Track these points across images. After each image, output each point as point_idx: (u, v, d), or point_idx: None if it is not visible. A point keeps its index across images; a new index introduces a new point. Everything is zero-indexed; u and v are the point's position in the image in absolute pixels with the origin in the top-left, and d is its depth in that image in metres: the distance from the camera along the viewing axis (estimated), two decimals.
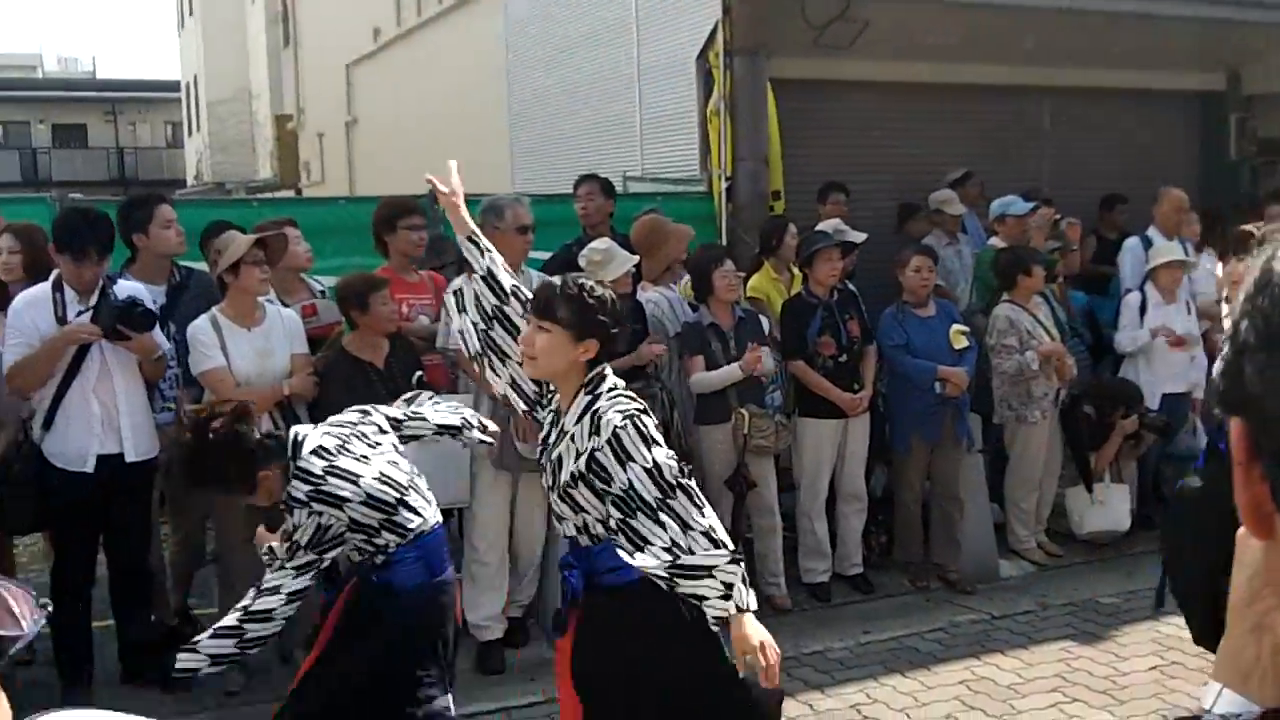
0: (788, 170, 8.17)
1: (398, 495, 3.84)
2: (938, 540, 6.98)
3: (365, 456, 3.85)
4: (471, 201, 6.33)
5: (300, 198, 18.18)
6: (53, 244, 5.24)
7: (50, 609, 1.75)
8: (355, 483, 3.75)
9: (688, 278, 6.62)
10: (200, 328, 5.29)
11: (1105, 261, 8.70)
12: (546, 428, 3.47)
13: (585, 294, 3.31)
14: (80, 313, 5.10)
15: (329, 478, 3.73)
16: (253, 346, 5.35)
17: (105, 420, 5.16)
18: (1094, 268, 8.72)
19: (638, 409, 3.25)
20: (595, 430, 3.21)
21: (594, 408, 3.26)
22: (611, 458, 3.16)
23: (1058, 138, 10.09)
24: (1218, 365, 1.01)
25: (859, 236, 7.06)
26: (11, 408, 5.28)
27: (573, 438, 3.28)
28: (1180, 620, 5.09)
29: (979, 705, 5.33)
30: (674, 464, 3.17)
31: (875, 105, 9.20)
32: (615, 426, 3.16)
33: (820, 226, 6.97)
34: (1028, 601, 6.67)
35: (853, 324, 6.66)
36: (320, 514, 3.75)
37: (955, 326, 6.78)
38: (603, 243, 6.31)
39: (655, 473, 3.12)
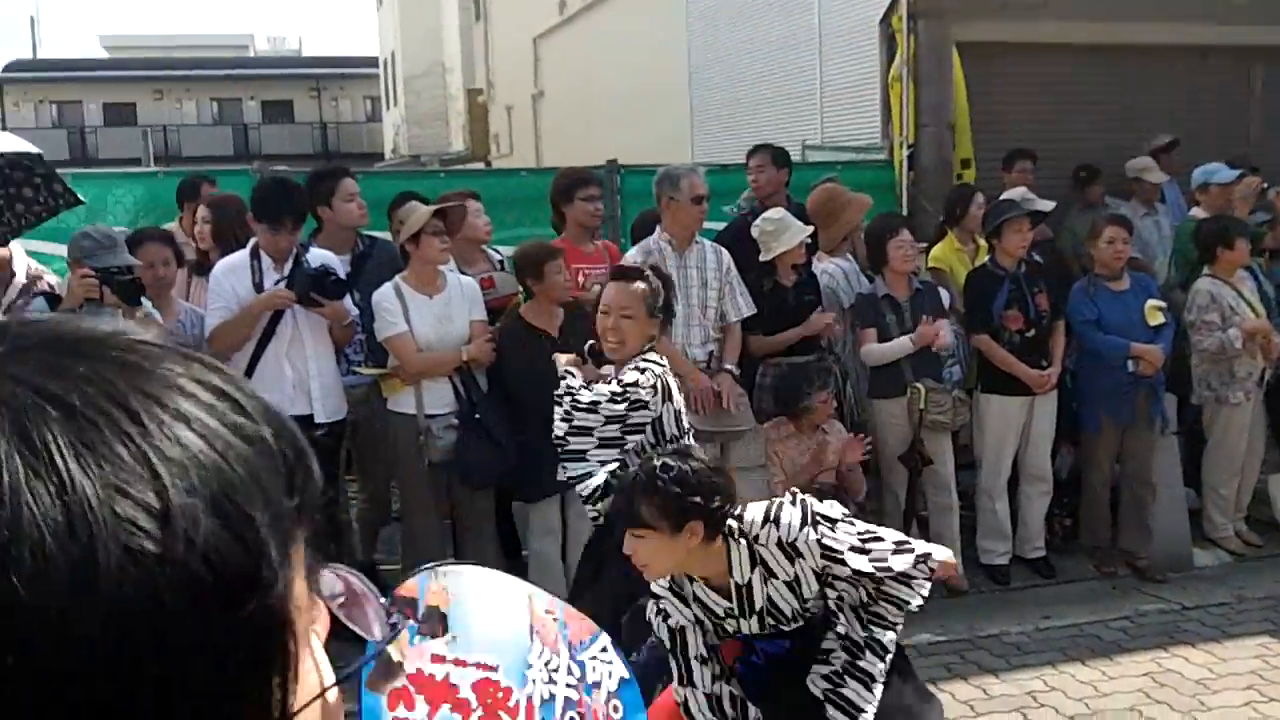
0: (975, 136, 7.87)
1: None
2: (1127, 525, 6.65)
3: None
4: (649, 171, 6.38)
5: (484, 170, 18.51)
6: (250, 214, 5.42)
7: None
8: None
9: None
10: (384, 295, 5.42)
11: None
12: (701, 609, 3.22)
13: (666, 482, 2.99)
14: (277, 281, 5.28)
15: None
16: (434, 313, 5.45)
17: (296, 383, 5.34)
18: None
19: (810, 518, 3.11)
20: (795, 554, 3.09)
21: (770, 542, 3.08)
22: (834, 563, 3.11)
23: (1269, 103, 9.44)
24: None
25: (1047, 205, 6.75)
26: None
27: (771, 575, 3.13)
28: None
29: (1164, 699, 5.05)
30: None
31: (1067, 69, 8.76)
32: (813, 541, 3.08)
33: (1006, 194, 6.68)
34: (1223, 593, 6.30)
35: (1041, 297, 6.36)
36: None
37: (1151, 301, 6.41)
38: (776, 213, 6.20)
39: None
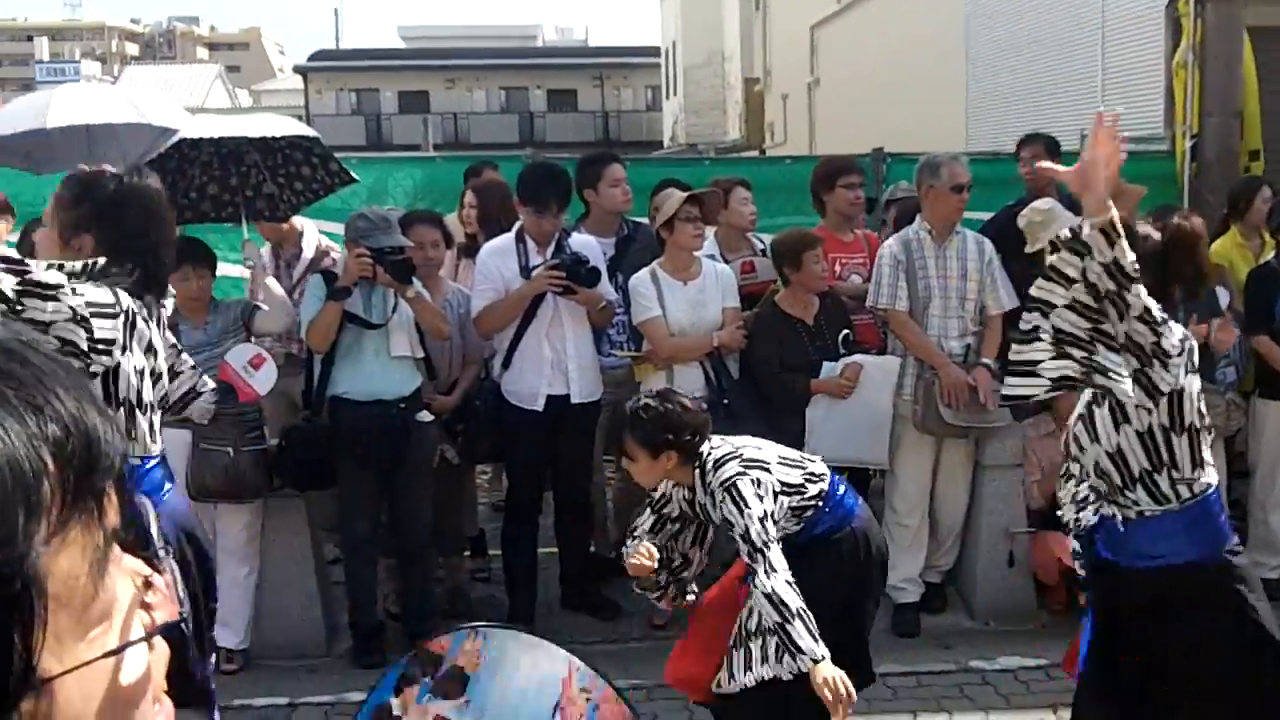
0: (1266, 126, 7.46)
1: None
2: None
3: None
4: (915, 159, 6.37)
5: (749, 157, 18.68)
6: (517, 198, 5.62)
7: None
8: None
9: None
10: (641, 280, 5.60)
11: None
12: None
13: (641, 417, 3.80)
14: (539, 265, 5.48)
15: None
16: (687, 299, 5.58)
17: (555, 363, 5.53)
18: None
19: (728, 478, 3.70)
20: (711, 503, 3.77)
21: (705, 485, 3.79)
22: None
23: None
24: None
25: None
26: (478, 347, 5.87)
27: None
28: None
29: None
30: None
31: None
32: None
33: None
34: None
35: None
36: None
37: None
38: (1045, 202, 6.06)
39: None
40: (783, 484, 3.77)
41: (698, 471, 3.79)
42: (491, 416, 5.68)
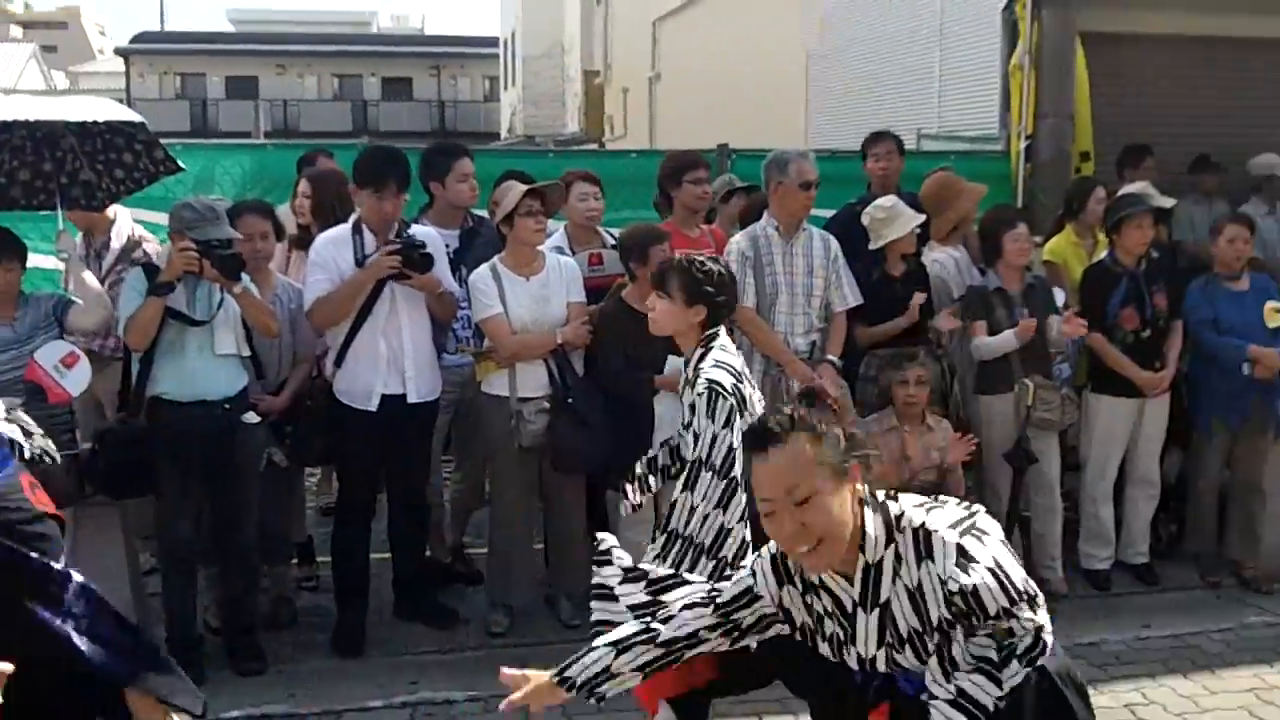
0: (1095, 129, 7.69)
1: None
2: (1234, 533, 6.44)
3: None
4: (760, 155, 6.34)
5: (594, 150, 18.57)
6: (353, 184, 5.39)
7: None
8: None
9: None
10: (480, 276, 5.41)
11: None
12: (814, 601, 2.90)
13: (694, 268, 4.13)
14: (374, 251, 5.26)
15: None
16: (530, 295, 5.42)
17: (391, 361, 5.31)
18: None
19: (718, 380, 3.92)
20: (690, 384, 4.01)
21: (698, 365, 4.03)
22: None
23: None
24: None
25: (1168, 202, 6.55)
26: (309, 344, 5.60)
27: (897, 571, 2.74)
28: None
29: (1267, 716, 4.89)
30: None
31: (1194, 61, 8.48)
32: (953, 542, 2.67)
33: (1126, 189, 6.49)
34: None
35: (1159, 297, 6.18)
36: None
37: (1270, 303, 6.18)
38: (888, 200, 6.12)
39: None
40: None
41: (701, 345, 4.16)
42: (323, 416, 5.45)
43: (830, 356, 5.81)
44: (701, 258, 4.23)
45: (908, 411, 5.74)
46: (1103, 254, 6.39)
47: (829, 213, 6.59)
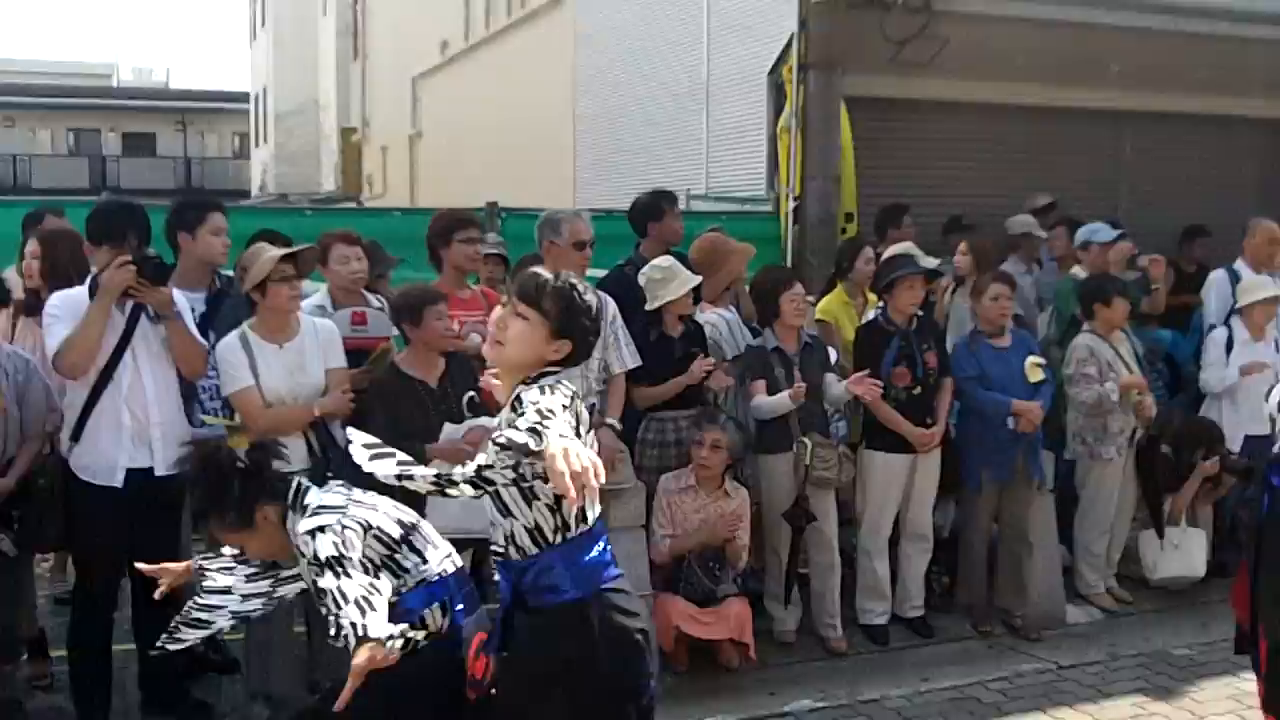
0: (858, 191, 7.95)
1: (401, 532, 3.52)
2: (1004, 583, 6.66)
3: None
4: (531, 215, 6.25)
5: (355, 209, 18.17)
6: (88, 241, 5.04)
7: None
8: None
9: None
10: (228, 346, 5.00)
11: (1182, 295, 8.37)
12: None
13: (576, 294, 3.15)
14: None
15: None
16: (284, 364, 5.03)
17: (136, 433, 4.90)
18: (1172, 299, 8.40)
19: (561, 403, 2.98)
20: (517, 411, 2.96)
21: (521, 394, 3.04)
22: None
23: (1137, 166, 9.78)
24: None
25: (933, 262, 6.78)
26: (39, 419, 5.12)
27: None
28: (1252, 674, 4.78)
29: None
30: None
31: (952, 126, 8.96)
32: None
33: (892, 250, 6.69)
34: (1096, 651, 6.33)
35: (930, 355, 6.36)
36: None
37: (1031, 358, 6.47)
38: (665, 260, 6.11)
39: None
40: None
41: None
42: (58, 497, 4.97)
43: (610, 420, 5.71)
44: (581, 285, 3.26)
45: (703, 474, 5.71)
46: (871, 313, 6.55)
47: (601, 272, 6.53)
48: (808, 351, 6.18)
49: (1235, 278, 7.72)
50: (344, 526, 3.32)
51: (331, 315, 5.57)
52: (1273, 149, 10.40)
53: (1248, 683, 5.57)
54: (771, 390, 6.03)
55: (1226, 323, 7.43)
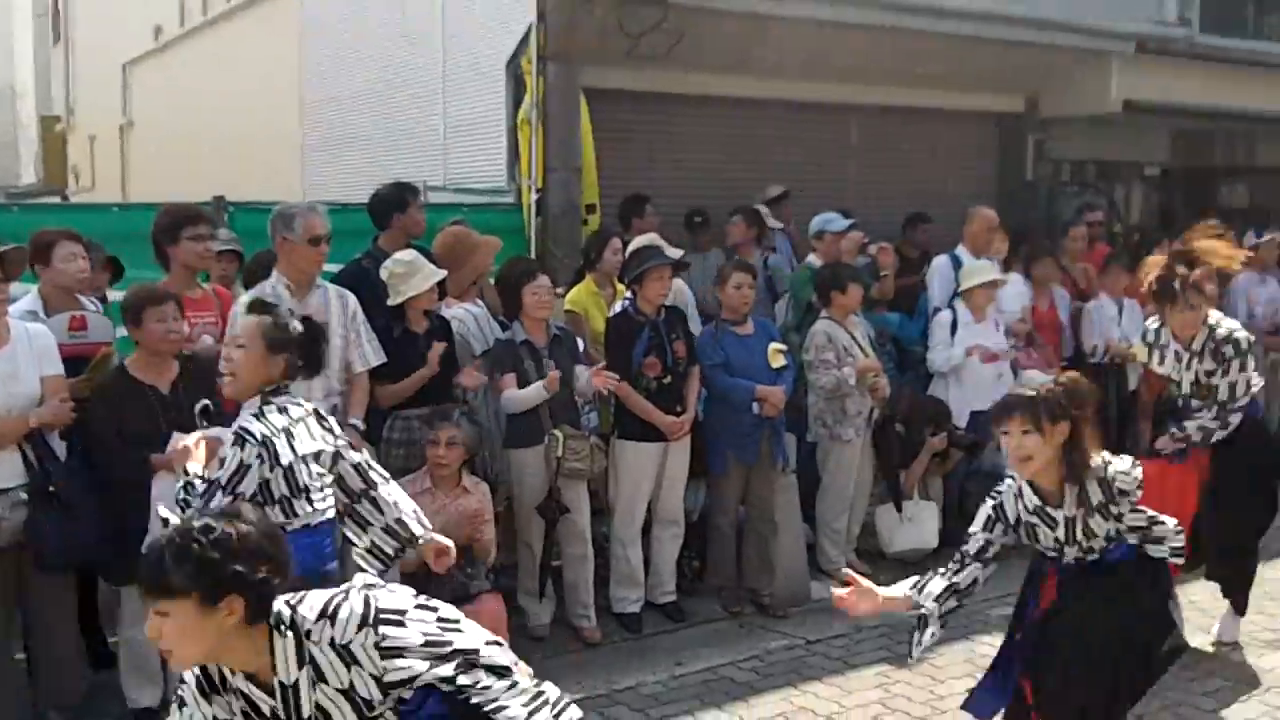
0: (601, 182, 8.05)
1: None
2: (751, 564, 6.89)
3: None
4: (263, 208, 6.03)
5: (64, 204, 17.06)
6: None
7: None
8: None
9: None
10: None
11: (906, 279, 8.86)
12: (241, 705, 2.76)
13: (201, 546, 2.55)
14: None
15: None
16: None
17: None
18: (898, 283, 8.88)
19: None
20: (350, 659, 2.66)
21: (324, 640, 2.66)
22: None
23: (864, 157, 10.29)
24: None
25: (677, 253, 6.93)
26: None
27: (321, 678, 2.68)
28: (995, 639, 5.12)
29: None
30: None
31: (691, 119, 9.19)
32: (369, 644, 2.65)
33: (637, 241, 6.80)
34: (841, 624, 6.59)
35: (679, 344, 6.50)
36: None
37: (773, 345, 6.72)
38: (407, 254, 6.02)
39: None
40: None
41: (287, 635, 2.70)
42: None
43: (353, 419, 5.59)
44: (210, 521, 2.65)
45: (439, 473, 5.64)
46: (620, 303, 6.65)
47: (336, 267, 6.38)
48: (557, 343, 6.22)
49: (957, 263, 8.23)
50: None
51: (45, 320, 5.25)
52: (991, 140, 11.15)
53: (983, 645, 5.98)
54: (522, 384, 6.04)
55: (950, 305, 7.91)
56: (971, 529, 4.16)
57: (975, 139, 11.07)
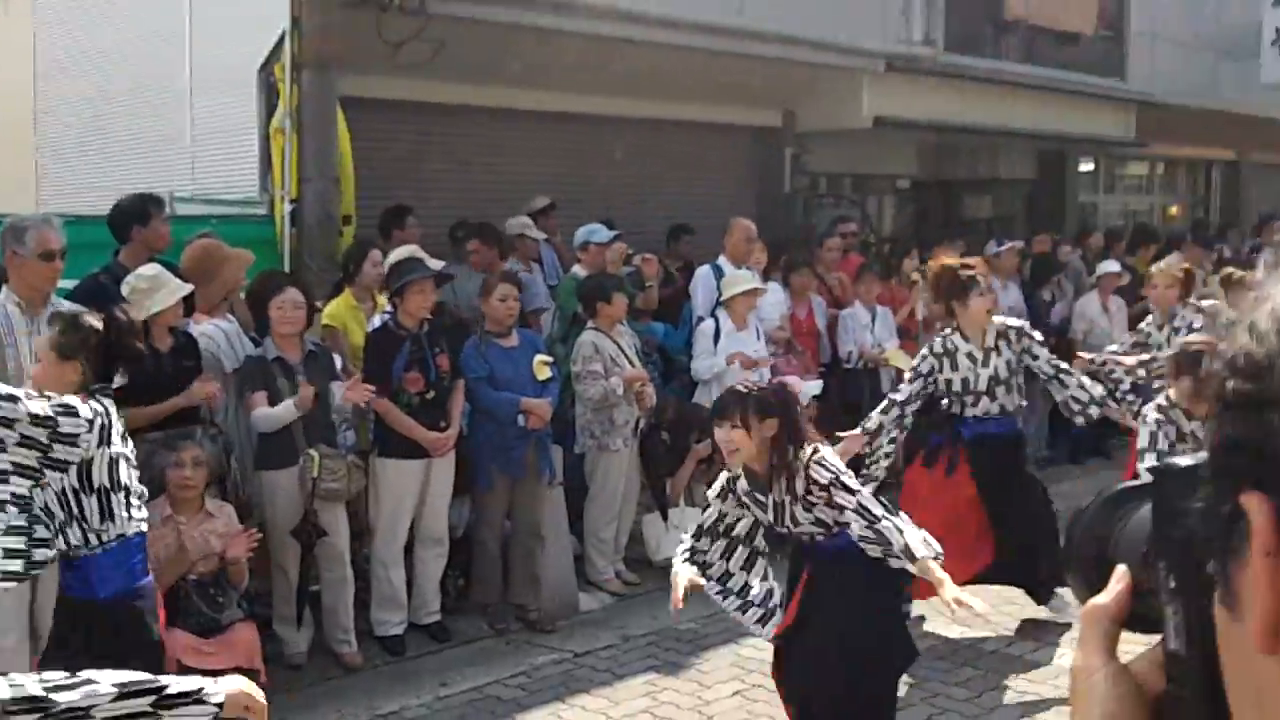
0: (359, 193, 7.90)
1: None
2: (518, 579, 6.87)
3: None
4: None
5: None
6: None
7: None
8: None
9: None
10: None
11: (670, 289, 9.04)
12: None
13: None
14: None
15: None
16: None
17: None
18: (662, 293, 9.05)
19: None
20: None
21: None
22: None
23: (628, 169, 10.44)
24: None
25: (438, 264, 6.86)
26: None
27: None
28: (759, 643, 5.27)
29: None
30: None
31: (454, 129, 9.12)
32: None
33: (396, 253, 6.69)
34: (609, 635, 6.69)
35: (442, 358, 6.43)
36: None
37: (539, 357, 6.73)
38: (150, 268, 5.78)
39: None
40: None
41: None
42: None
43: None
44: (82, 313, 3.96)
45: (183, 496, 5.42)
46: (380, 317, 6.54)
47: (72, 283, 6.06)
48: (312, 360, 6.06)
49: (719, 273, 8.44)
50: None
51: None
52: (750, 154, 11.48)
53: (747, 649, 6.14)
54: (273, 402, 5.86)
55: (713, 315, 8.10)
56: (708, 495, 4.61)
57: (735, 152, 11.38)
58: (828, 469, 4.27)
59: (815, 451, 4.30)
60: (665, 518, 7.65)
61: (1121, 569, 0.92)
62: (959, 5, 11.50)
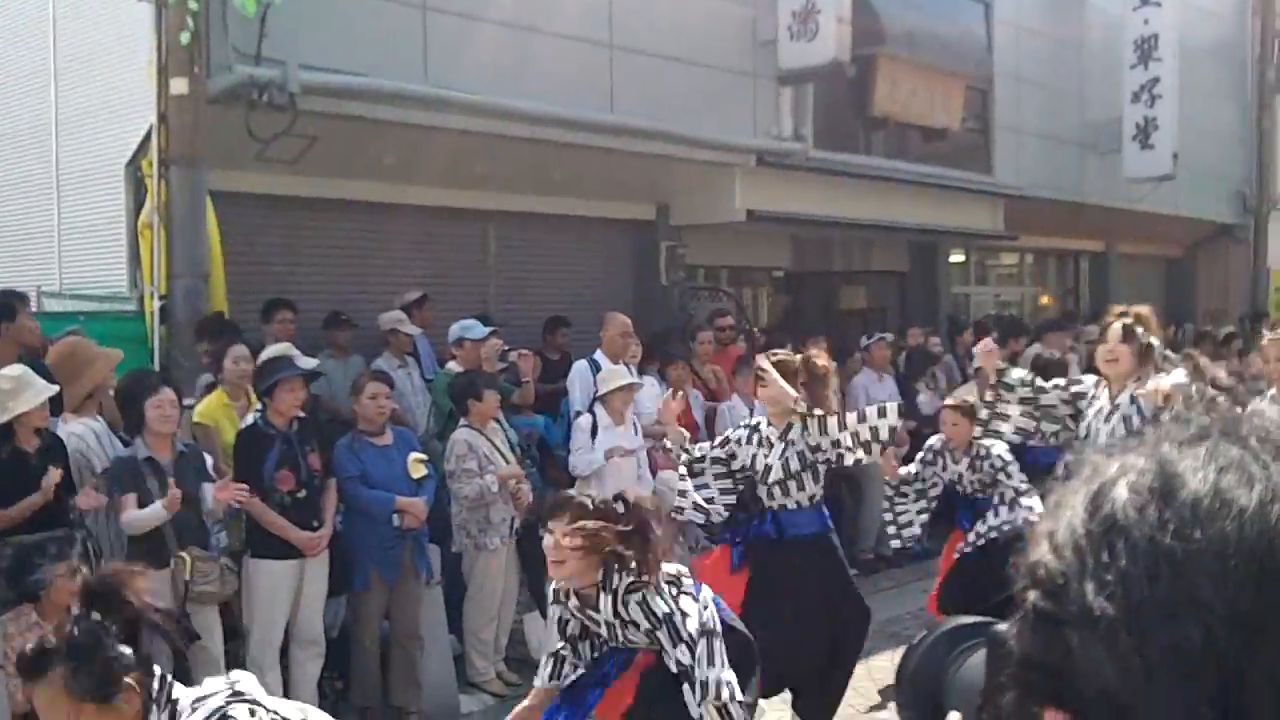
0: (230, 289, 8.00)
1: None
2: (398, 680, 6.93)
3: None
4: None
5: None
6: None
7: None
8: None
9: None
10: None
11: (549, 383, 9.27)
12: None
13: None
14: None
15: None
16: None
17: None
18: (541, 388, 9.26)
19: None
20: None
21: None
22: None
23: (504, 262, 10.69)
24: (1014, 631, 0.80)
25: (311, 363, 6.98)
26: None
27: None
28: None
29: None
30: None
31: (325, 222, 9.30)
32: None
33: (270, 350, 6.80)
34: None
35: (313, 456, 6.53)
36: None
37: (413, 455, 6.86)
38: (15, 368, 5.81)
39: None
40: None
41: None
42: None
43: None
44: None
45: (62, 603, 5.41)
46: (250, 416, 6.63)
47: None
48: (183, 460, 6.13)
49: (596, 367, 8.67)
50: None
51: None
52: (627, 247, 11.81)
53: None
54: (143, 503, 5.91)
55: (591, 409, 8.32)
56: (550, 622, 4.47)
57: (611, 245, 11.69)
58: (666, 603, 4.08)
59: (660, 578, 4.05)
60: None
61: (955, 717, 0.95)
62: (828, 102, 12.03)
